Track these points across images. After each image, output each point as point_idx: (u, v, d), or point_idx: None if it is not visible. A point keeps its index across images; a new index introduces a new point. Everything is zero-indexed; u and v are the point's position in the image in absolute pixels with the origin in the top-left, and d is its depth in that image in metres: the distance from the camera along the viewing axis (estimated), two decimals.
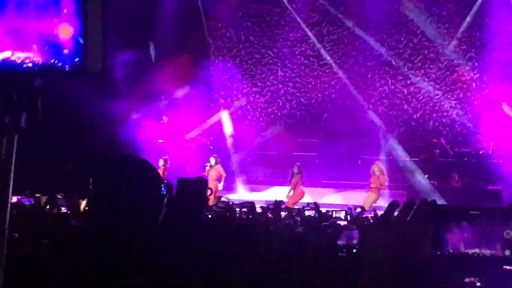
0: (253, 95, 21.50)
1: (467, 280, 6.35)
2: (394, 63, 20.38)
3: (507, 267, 6.69)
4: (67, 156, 17.71)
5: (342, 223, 10.16)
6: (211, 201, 14.01)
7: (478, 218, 7.38)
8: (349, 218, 12.21)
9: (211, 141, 20.23)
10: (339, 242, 6.41)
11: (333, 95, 20.83)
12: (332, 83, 20.86)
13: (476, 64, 19.69)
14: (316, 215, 11.87)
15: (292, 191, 16.99)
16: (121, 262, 2.43)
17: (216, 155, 17.98)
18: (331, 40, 20.85)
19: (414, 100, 20.29)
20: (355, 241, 7.24)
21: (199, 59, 21.02)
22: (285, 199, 16.10)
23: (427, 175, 18.30)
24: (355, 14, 20.37)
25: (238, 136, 20.84)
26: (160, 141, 20.10)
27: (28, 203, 11.47)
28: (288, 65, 21.23)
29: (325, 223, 8.89)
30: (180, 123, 20.59)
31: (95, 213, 2.61)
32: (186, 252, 3.17)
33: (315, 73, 21.10)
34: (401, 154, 19.06)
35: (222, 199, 15.78)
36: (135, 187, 2.54)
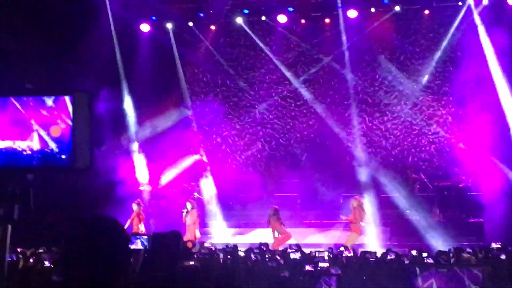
0: (231, 138, 21.55)
1: None
2: (370, 100, 20.58)
3: None
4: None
5: (325, 264, 10.14)
6: (193, 249, 13.97)
7: None
8: (331, 256, 12.22)
9: (192, 187, 20.13)
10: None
11: (312, 135, 20.95)
12: (310, 122, 20.99)
13: (451, 98, 19.90)
14: (299, 257, 11.84)
15: (276, 232, 16.93)
16: None
17: (192, 200, 17.94)
18: (307, 80, 21.06)
19: (392, 136, 20.44)
20: None
21: (176, 104, 21.16)
22: (269, 241, 16.04)
23: (408, 211, 18.31)
24: (330, 54, 20.62)
25: (218, 179, 20.77)
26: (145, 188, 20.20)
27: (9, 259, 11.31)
28: (266, 107, 21.37)
29: (307, 266, 8.85)
30: (160, 168, 20.57)
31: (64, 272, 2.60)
32: None
33: (292, 114, 21.25)
34: (382, 191, 19.07)
35: (206, 244, 15.70)
36: (101, 247, 2.53)
